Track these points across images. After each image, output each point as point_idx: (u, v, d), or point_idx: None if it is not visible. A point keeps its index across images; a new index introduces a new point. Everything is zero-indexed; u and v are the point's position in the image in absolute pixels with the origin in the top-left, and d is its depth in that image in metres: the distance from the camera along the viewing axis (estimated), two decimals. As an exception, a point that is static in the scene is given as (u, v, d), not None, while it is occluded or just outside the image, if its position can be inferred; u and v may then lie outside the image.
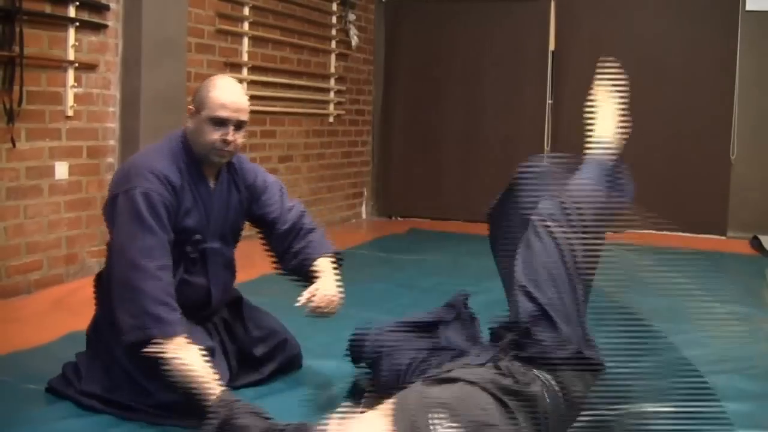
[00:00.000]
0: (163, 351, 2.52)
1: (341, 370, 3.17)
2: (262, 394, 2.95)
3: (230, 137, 2.77)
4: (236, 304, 3.11)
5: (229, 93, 2.78)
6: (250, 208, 3.04)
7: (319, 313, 2.84)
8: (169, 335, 2.54)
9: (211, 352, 2.73)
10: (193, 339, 2.70)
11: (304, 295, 2.81)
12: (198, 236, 2.83)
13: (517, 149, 7.68)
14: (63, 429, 2.56)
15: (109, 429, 2.57)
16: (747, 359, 3.48)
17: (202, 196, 2.83)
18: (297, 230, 3.05)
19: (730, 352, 3.58)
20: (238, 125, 2.79)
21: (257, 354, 3.02)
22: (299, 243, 3.02)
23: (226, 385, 2.72)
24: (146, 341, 2.54)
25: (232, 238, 3.02)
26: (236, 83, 2.91)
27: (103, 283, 2.90)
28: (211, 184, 2.89)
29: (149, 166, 2.73)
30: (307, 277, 2.95)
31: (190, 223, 2.80)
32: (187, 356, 2.52)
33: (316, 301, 2.82)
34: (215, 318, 2.98)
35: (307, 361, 3.22)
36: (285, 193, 3.15)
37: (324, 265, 2.96)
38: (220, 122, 2.75)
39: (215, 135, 2.75)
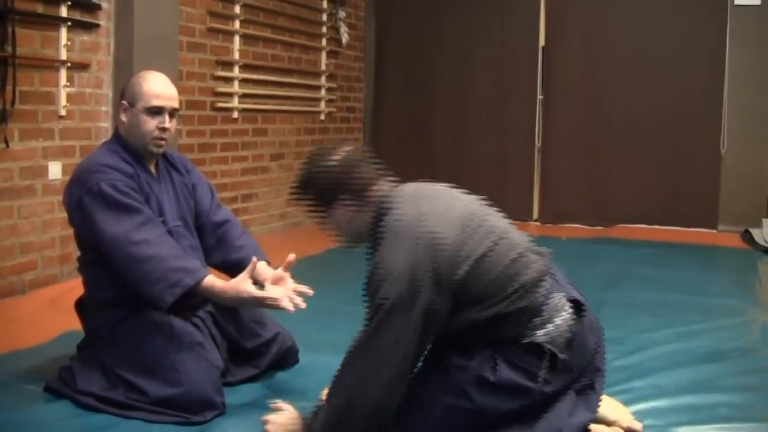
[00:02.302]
0: (210, 291, 2.63)
1: (337, 364, 3.18)
2: (258, 389, 2.96)
3: (167, 124, 2.87)
4: None
5: (161, 83, 2.90)
6: (193, 192, 3.11)
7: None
8: (202, 277, 2.64)
9: (202, 347, 2.76)
10: (181, 334, 2.75)
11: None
12: (161, 218, 2.88)
13: (508, 145, 7.72)
14: (62, 429, 2.57)
15: (108, 429, 2.57)
16: (740, 352, 3.51)
17: (151, 185, 2.91)
18: (229, 226, 3.14)
19: (723, 345, 3.61)
20: (172, 113, 2.90)
21: (249, 346, 3.03)
22: (238, 240, 3.10)
23: (220, 378, 2.78)
24: (185, 294, 2.63)
25: (191, 220, 3.06)
26: (164, 75, 2.99)
27: (84, 306, 2.96)
28: (154, 173, 2.97)
29: (100, 162, 2.81)
30: (233, 274, 2.88)
31: (151, 208, 2.86)
32: (229, 284, 2.62)
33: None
34: (201, 312, 2.97)
35: (303, 356, 3.23)
36: (215, 192, 3.24)
37: (266, 268, 2.92)
38: (157, 111, 2.86)
39: (152, 124, 2.85)
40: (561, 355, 2.34)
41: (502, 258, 2.34)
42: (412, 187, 2.50)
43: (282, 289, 2.71)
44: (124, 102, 2.89)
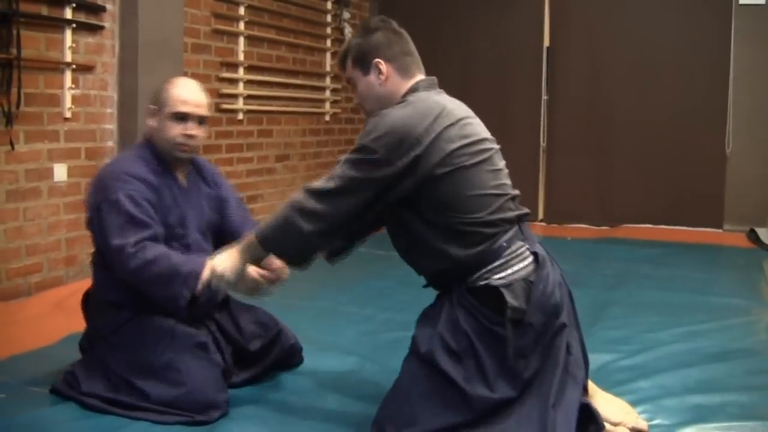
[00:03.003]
0: (221, 277, 2.60)
1: (342, 365, 3.19)
2: (263, 390, 2.96)
3: (192, 131, 2.88)
4: (223, 302, 3.10)
5: (189, 90, 2.92)
6: (219, 206, 3.11)
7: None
8: (202, 268, 2.64)
9: (203, 347, 2.76)
10: (183, 336, 2.76)
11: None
12: (180, 230, 2.89)
13: (513, 145, 7.69)
14: (69, 431, 2.57)
15: (114, 431, 2.57)
16: (746, 351, 3.51)
17: (176, 194, 2.92)
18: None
19: (729, 344, 3.60)
20: (200, 120, 2.90)
21: (253, 349, 3.03)
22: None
23: (223, 378, 2.78)
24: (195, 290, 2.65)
25: (209, 233, 3.06)
26: (195, 82, 3.00)
27: (90, 301, 2.98)
28: (182, 182, 2.98)
29: (124, 170, 2.82)
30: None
31: (172, 220, 2.87)
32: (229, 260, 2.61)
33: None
34: (204, 318, 2.97)
35: (307, 357, 3.23)
36: (245, 207, 3.27)
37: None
38: (182, 117, 2.87)
39: (177, 129, 2.86)
40: (514, 303, 2.33)
41: (487, 182, 2.42)
42: (434, 90, 2.65)
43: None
44: (153, 106, 2.91)
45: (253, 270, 2.67)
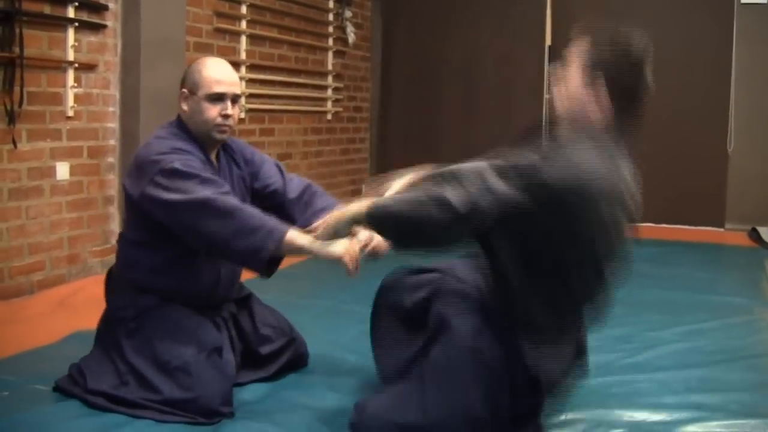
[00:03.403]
0: (298, 246, 2.57)
1: (347, 365, 3.20)
2: (266, 388, 2.97)
3: (229, 111, 2.83)
4: (245, 300, 3.11)
5: (221, 69, 2.86)
6: (253, 184, 3.06)
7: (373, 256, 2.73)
8: (284, 232, 2.59)
9: (219, 353, 2.75)
10: (202, 338, 2.73)
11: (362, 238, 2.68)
12: None
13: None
14: (72, 429, 2.57)
15: (117, 429, 2.57)
16: (747, 350, 3.51)
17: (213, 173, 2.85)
18: (311, 193, 3.08)
19: (731, 343, 3.61)
20: (234, 99, 2.86)
21: (263, 353, 3.03)
22: (320, 202, 3.03)
23: (231, 388, 2.75)
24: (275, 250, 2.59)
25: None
26: (224, 61, 2.94)
27: (113, 278, 2.94)
28: (215, 164, 2.93)
29: (166, 146, 2.76)
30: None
31: None
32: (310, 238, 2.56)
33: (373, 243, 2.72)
34: (224, 312, 2.98)
35: (313, 357, 3.23)
36: (283, 168, 3.17)
37: None
38: (218, 98, 2.81)
39: (215, 111, 2.81)
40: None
41: (593, 281, 2.31)
42: None
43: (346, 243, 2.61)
44: (185, 90, 2.86)
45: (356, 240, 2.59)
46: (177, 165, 2.67)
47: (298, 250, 2.61)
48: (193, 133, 2.86)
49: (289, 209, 3.04)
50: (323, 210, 2.88)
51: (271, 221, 2.62)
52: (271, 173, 3.08)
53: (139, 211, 2.79)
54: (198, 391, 2.64)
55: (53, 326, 3.71)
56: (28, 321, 3.87)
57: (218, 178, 2.77)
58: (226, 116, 2.82)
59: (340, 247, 2.55)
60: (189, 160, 2.72)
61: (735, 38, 7.01)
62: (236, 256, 2.65)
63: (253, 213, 2.63)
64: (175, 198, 2.64)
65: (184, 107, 2.87)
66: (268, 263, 2.61)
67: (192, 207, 2.63)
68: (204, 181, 2.66)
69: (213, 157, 2.93)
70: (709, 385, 3.04)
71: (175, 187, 2.65)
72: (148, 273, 2.83)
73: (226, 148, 3.01)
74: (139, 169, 2.77)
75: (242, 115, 6.04)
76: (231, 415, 2.67)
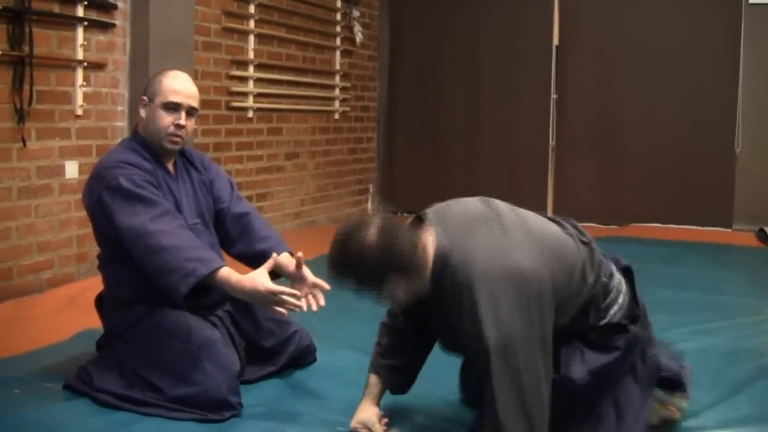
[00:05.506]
0: (226, 283, 2.62)
1: (354, 362, 3.19)
2: (276, 386, 2.98)
3: (182, 122, 2.89)
4: None
5: (180, 81, 2.94)
6: (211, 188, 3.12)
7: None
8: (218, 267, 2.64)
9: (218, 346, 2.76)
10: (199, 333, 2.75)
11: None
12: (180, 215, 2.88)
13: (522, 144, 7.72)
14: (82, 427, 2.58)
15: (126, 426, 2.59)
16: (756, 349, 3.50)
17: (169, 183, 2.93)
18: (250, 219, 3.13)
19: (739, 343, 3.60)
20: (190, 111, 2.92)
21: (267, 345, 3.05)
22: (262, 231, 3.09)
23: (237, 379, 2.77)
24: (201, 287, 2.64)
25: (209, 217, 3.07)
26: (186, 74, 3.01)
27: (104, 303, 2.99)
28: (172, 172, 2.99)
29: (118, 159, 2.84)
30: (256, 266, 2.82)
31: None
32: (246, 277, 2.61)
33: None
34: (219, 311, 2.99)
35: (319, 354, 3.25)
36: (235, 186, 3.24)
37: (290, 260, 2.94)
38: (174, 107, 2.89)
39: (168, 119, 2.88)
40: (634, 328, 2.44)
41: (571, 268, 2.34)
42: (452, 221, 2.29)
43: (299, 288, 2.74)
44: (144, 98, 2.94)
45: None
46: (121, 181, 2.75)
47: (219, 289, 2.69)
48: (148, 142, 2.92)
49: (226, 224, 3.11)
50: (265, 240, 3.03)
51: (189, 263, 2.63)
52: (222, 186, 3.15)
53: (99, 226, 2.88)
54: (204, 384, 2.66)
55: (62, 324, 3.73)
56: (37, 319, 3.89)
57: (159, 196, 2.79)
58: (179, 126, 2.89)
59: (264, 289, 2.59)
60: (133, 174, 2.78)
61: (743, 38, 6.99)
62: (163, 287, 2.69)
63: (179, 248, 2.66)
64: (115, 220, 2.73)
65: (142, 114, 2.95)
66: (194, 292, 2.65)
67: (127, 234, 2.71)
68: (143, 201, 2.72)
69: (171, 165, 2.99)
70: (718, 384, 3.03)
71: (116, 206, 2.74)
72: (132, 287, 2.86)
73: (183, 154, 3.08)
74: (89, 183, 2.87)
75: (250, 115, 6.05)
76: (239, 406, 2.69)
